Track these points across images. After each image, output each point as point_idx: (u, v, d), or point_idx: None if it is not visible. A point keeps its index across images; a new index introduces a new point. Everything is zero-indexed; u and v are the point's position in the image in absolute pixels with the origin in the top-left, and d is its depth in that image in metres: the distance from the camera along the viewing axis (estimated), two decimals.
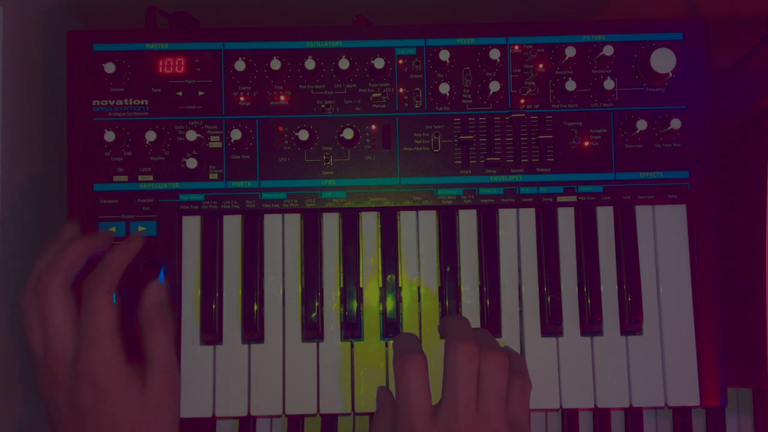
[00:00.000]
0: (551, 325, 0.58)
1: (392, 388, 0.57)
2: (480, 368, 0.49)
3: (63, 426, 0.49)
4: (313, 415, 0.59)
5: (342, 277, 0.59)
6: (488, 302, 0.58)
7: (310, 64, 0.58)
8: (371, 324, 0.58)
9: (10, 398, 0.58)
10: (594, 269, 0.59)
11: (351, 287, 0.58)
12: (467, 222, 0.60)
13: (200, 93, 0.59)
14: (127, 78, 0.59)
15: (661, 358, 0.58)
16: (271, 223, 0.59)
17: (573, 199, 0.59)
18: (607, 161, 0.59)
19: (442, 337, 0.52)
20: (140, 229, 0.58)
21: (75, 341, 0.49)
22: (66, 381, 0.49)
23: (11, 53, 0.58)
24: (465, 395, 0.47)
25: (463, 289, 0.59)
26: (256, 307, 0.58)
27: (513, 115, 0.59)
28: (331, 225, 0.60)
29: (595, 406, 0.58)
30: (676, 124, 0.58)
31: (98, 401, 0.48)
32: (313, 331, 0.58)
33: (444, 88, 0.58)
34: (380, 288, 0.59)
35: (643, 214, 0.60)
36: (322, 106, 0.59)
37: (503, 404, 0.48)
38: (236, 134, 0.58)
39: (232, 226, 0.59)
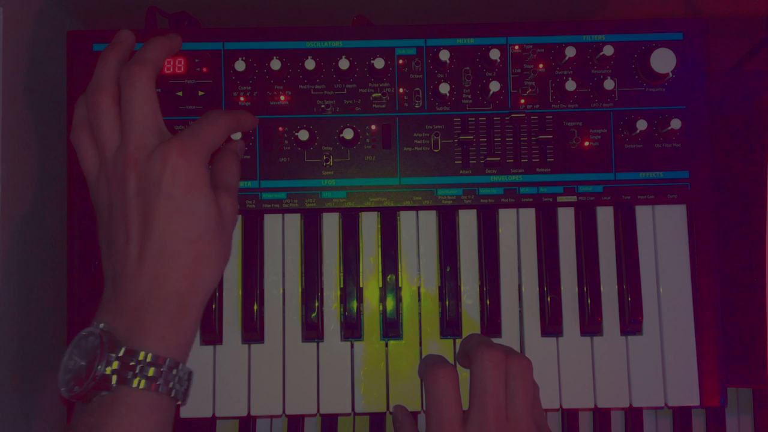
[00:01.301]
0: (551, 325, 0.58)
1: (392, 388, 0.58)
2: (507, 373, 0.48)
3: (127, 215, 0.47)
4: (313, 415, 0.59)
5: (342, 277, 0.59)
6: (488, 302, 0.58)
7: (310, 64, 0.58)
8: (371, 324, 0.58)
9: (7, 398, 0.58)
10: (594, 269, 0.59)
11: (351, 287, 0.58)
12: (467, 222, 0.60)
13: (200, 93, 0.59)
14: None
15: (661, 358, 0.58)
16: (271, 223, 0.59)
17: (573, 199, 0.59)
18: (607, 161, 0.59)
19: (463, 364, 0.51)
20: None
21: (158, 133, 0.48)
22: (145, 163, 0.47)
23: (11, 53, 0.58)
24: (495, 401, 0.47)
25: (463, 289, 0.59)
26: (256, 307, 0.58)
27: (513, 115, 0.59)
28: (331, 225, 0.60)
29: (595, 406, 0.58)
30: (676, 124, 0.58)
31: (181, 188, 0.46)
32: (313, 331, 0.58)
33: (444, 88, 0.58)
34: (380, 288, 0.59)
35: (643, 214, 0.60)
36: (322, 106, 0.59)
37: (531, 407, 0.48)
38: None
39: None
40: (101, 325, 0.45)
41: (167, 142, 0.47)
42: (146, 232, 0.46)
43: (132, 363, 0.44)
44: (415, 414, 0.59)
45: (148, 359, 0.44)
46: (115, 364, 0.44)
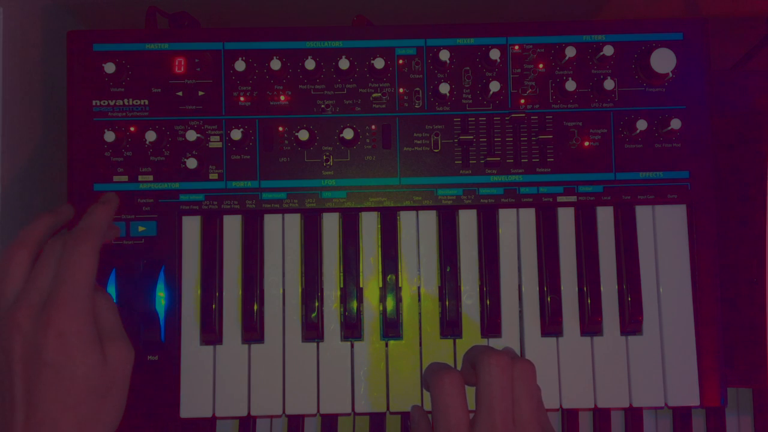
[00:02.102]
0: (551, 325, 0.58)
1: (392, 388, 0.58)
2: (513, 377, 0.48)
3: (12, 381, 0.47)
4: (313, 415, 0.59)
5: (342, 277, 0.59)
6: (488, 302, 0.58)
7: (310, 64, 0.58)
8: (371, 324, 0.58)
9: None
10: (594, 269, 0.59)
11: (351, 287, 0.58)
12: (467, 222, 0.60)
13: (200, 93, 0.59)
14: (127, 78, 0.59)
15: (661, 358, 0.58)
16: (271, 223, 0.59)
17: (573, 199, 0.59)
18: (607, 161, 0.59)
19: (467, 377, 0.51)
20: (140, 228, 0.58)
21: (48, 291, 0.48)
22: (29, 328, 0.47)
23: (11, 53, 0.58)
24: (502, 406, 0.47)
25: (463, 289, 0.59)
26: (256, 307, 0.58)
27: (513, 115, 0.59)
28: (331, 225, 0.60)
29: (595, 406, 0.58)
30: (676, 124, 0.58)
31: (61, 354, 0.46)
32: (313, 331, 0.58)
33: (444, 88, 0.58)
34: (380, 288, 0.59)
35: (643, 214, 0.60)
36: (322, 106, 0.59)
37: (537, 410, 0.48)
38: (236, 134, 0.58)
39: (232, 226, 0.59)
40: None
41: (48, 307, 0.47)
42: (29, 399, 0.46)
43: None
44: None
45: None
46: None
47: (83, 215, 0.53)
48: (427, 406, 0.57)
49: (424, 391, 0.57)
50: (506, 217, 0.60)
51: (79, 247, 0.49)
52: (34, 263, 0.50)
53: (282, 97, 0.59)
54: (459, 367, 0.57)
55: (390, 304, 0.58)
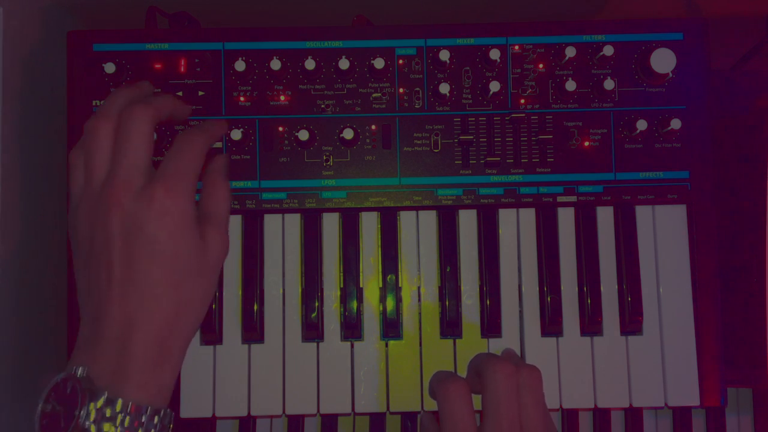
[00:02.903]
0: (551, 325, 0.58)
1: (392, 388, 0.58)
2: (519, 385, 0.48)
3: (111, 258, 0.45)
4: (313, 415, 0.59)
5: (342, 277, 0.59)
6: (488, 302, 0.58)
7: (310, 64, 0.58)
8: (371, 324, 0.58)
9: (6, 400, 0.58)
10: (594, 269, 0.59)
11: (351, 287, 0.58)
12: (467, 222, 0.60)
13: (200, 93, 0.59)
14: (128, 78, 0.59)
15: (661, 358, 0.58)
16: (271, 223, 0.59)
17: (573, 199, 0.59)
18: (607, 161, 0.59)
19: (473, 385, 0.51)
20: None
21: (147, 173, 0.47)
22: (130, 204, 0.45)
23: (11, 53, 0.58)
24: (509, 413, 0.47)
25: (463, 289, 0.59)
26: (256, 307, 0.58)
27: (513, 115, 0.59)
28: (331, 225, 0.60)
29: (595, 406, 0.58)
30: (676, 124, 0.58)
31: (164, 231, 0.45)
32: (313, 331, 0.58)
33: (444, 88, 0.58)
34: (380, 288, 0.59)
35: (643, 214, 0.60)
36: (322, 106, 0.59)
37: (544, 417, 0.48)
38: (236, 134, 0.58)
39: (232, 226, 0.59)
40: (80, 371, 0.44)
41: (153, 183, 0.46)
42: (129, 276, 0.45)
43: (113, 413, 0.43)
44: (414, 414, 0.60)
45: (130, 409, 0.43)
46: (95, 414, 0.42)
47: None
48: (427, 406, 0.57)
49: (426, 394, 0.57)
50: (506, 217, 0.60)
51: (191, 131, 0.48)
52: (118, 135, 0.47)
53: (282, 97, 0.59)
54: (463, 374, 0.57)
55: (390, 304, 0.58)
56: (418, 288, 0.59)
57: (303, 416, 0.61)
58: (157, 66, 0.59)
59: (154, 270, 0.45)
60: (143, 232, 0.45)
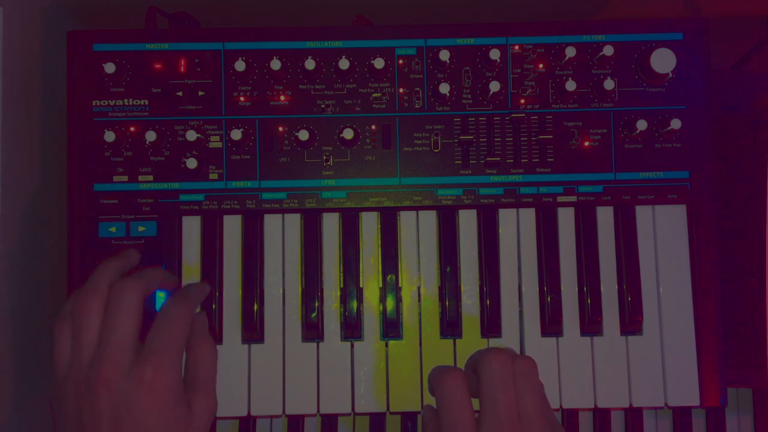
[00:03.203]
0: (551, 325, 0.58)
1: (392, 388, 0.58)
2: (515, 374, 0.48)
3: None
4: (313, 415, 0.59)
5: (342, 277, 0.59)
6: (488, 302, 0.58)
7: (310, 64, 0.58)
8: (371, 324, 0.58)
9: (5, 401, 0.58)
10: (594, 269, 0.59)
11: (351, 287, 0.58)
12: (467, 222, 0.60)
13: (200, 93, 0.59)
14: (127, 78, 0.59)
15: (661, 358, 0.58)
16: (271, 223, 0.59)
17: (573, 199, 0.59)
18: (607, 161, 0.59)
19: (473, 392, 0.51)
20: (140, 229, 0.58)
21: (135, 349, 0.48)
22: (119, 384, 0.46)
23: (11, 53, 0.58)
24: (506, 400, 0.47)
25: (463, 289, 0.59)
26: (256, 307, 0.58)
27: (513, 115, 0.59)
28: (331, 225, 0.60)
29: (595, 406, 0.58)
30: (676, 124, 0.58)
31: (150, 409, 0.46)
32: (313, 331, 0.58)
33: (444, 88, 0.58)
34: (380, 288, 0.59)
35: (643, 214, 0.60)
36: (322, 106, 0.59)
37: (542, 404, 0.48)
38: (236, 134, 0.58)
39: (232, 226, 0.59)
40: None
41: (142, 363, 0.47)
42: None
43: None
44: (414, 414, 0.60)
45: None
46: None
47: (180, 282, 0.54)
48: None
49: (427, 393, 0.57)
50: (506, 217, 0.60)
51: (176, 301, 0.50)
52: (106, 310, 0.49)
53: (282, 97, 0.59)
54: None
55: (390, 304, 0.58)
56: (418, 288, 0.59)
57: (303, 416, 0.61)
58: (157, 66, 0.59)
59: None
60: (133, 411, 0.46)
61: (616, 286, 0.59)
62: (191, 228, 0.59)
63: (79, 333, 0.48)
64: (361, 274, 0.59)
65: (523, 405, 0.47)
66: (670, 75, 0.59)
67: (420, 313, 0.59)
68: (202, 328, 0.53)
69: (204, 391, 0.51)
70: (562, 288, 0.58)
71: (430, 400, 0.57)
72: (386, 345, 0.58)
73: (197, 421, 0.49)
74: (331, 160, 0.59)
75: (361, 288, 0.59)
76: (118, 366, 0.47)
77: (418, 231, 0.60)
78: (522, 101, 0.60)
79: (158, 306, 0.57)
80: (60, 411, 0.48)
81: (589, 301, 0.58)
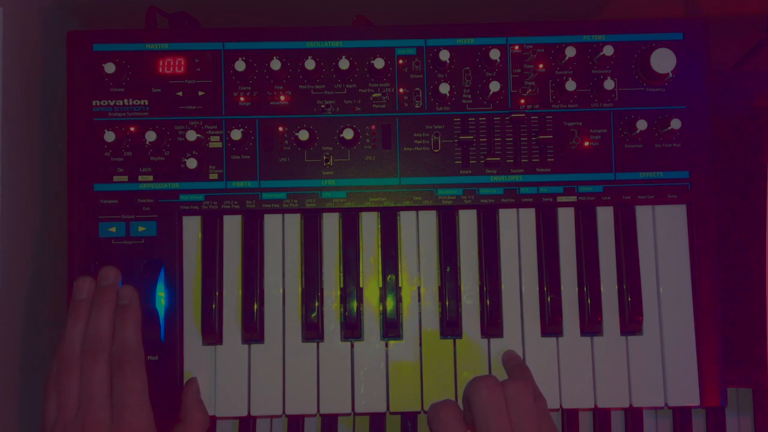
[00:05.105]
0: (551, 325, 0.58)
1: (392, 388, 0.58)
2: (505, 399, 0.49)
3: None
4: (313, 415, 0.59)
5: (342, 277, 0.59)
6: (488, 302, 0.58)
7: (310, 64, 0.58)
8: (371, 324, 0.58)
9: (9, 399, 0.58)
10: (594, 269, 0.59)
11: (351, 287, 0.58)
12: (467, 222, 0.60)
13: (200, 93, 0.59)
14: (127, 78, 0.59)
15: (661, 358, 0.58)
16: (271, 223, 0.59)
17: (573, 199, 0.59)
18: (607, 161, 0.59)
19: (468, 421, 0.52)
20: (140, 229, 0.58)
21: (112, 409, 0.51)
22: None
23: (11, 53, 0.58)
24: (499, 424, 0.47)
25: (463, 289, 0.59)
26: (256, 307, 0.58)
27: (513, 115, 0.59)
28: (331, 225, 0.60)
29: (595, 406, 0.58)
30: (676, 124, 0.58)
31: None
32: (313, 331, 0.58)
33: (444, 88, 0.58)
34: (380, 288, 0.59)
35: (643, 214, 0.60)
36: (322, 106, 0.59)
37: (537, 426, 0.48)
38: (236, 134, 0.58)
39: (232, 226, 0.59)
40: None
41: (119, 424, 0.51)
42: None
43: None
44: (414, 414, 0.60)
45: None
46: None
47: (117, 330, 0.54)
48: (427, 407, 0.57)
49: (427, 393, 0.57)
50: (506, 217, 0.60)
51: (129, 374, 0.52)
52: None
53: (282, 97, 0.59)
54: (462, 375, 0.57)
55: (390, 304, 0.58)
56: (418, 288, 0.59)
57: (303, 416, 0.61)
58: (157, 66, 0.59)
59: None
60: None
61: (616, 286, 0.59)
62: (191, 228, 0.59)
63: (64, 393, 0.52)
64: (361, 274, 0.59)
65: (517, 427, 0.47)
66: (670, 75, 0.59)
67: (420, 313, 0.59)
68: (194, 396, 0.57)
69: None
70: (562, 288, 0.58)
71: (430, 400, 0.57)
72: (386, 345, 0.58)
73: None
74: (331, 160, 0.59)
75: (361, 288, 0.59)
76: (99, 427, 0.51)
77: (418, 231, 0.60)
78: (522, 101, 0.60)
79: (158, 305, 0.57)
80: None
81: (589, 301, 0.58)
